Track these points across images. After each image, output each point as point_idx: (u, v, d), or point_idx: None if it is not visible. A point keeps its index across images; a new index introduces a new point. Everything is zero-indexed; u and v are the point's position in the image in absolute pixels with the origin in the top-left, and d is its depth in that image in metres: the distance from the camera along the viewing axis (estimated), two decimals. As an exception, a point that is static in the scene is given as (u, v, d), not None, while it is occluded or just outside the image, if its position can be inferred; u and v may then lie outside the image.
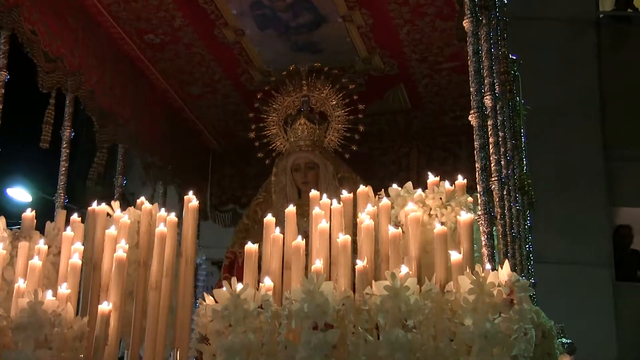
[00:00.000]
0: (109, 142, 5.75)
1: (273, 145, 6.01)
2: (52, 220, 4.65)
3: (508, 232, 4.00)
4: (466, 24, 3.86)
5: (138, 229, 4.35)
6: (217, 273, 7.20)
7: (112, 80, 5.62)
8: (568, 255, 7.60)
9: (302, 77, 5.99)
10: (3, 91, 4.54)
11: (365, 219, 3.82)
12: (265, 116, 6.03)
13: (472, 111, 3.74)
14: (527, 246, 5.00)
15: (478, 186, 3.65)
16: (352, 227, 4.11)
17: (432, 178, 4.09)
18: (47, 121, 5.05)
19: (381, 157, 7.04)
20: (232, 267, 5.63)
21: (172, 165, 6.61)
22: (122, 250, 3.88)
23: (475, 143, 3.71)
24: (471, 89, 3.78)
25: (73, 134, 5.32)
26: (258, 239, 5.50)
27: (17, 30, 4.71)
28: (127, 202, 5.34)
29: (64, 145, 5.26)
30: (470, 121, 6.49)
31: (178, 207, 5.37)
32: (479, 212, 3.59)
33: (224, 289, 3.48)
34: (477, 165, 3.67)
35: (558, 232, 7.49)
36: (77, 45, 5.21)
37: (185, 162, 6.84)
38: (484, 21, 3.95)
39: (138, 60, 5.94)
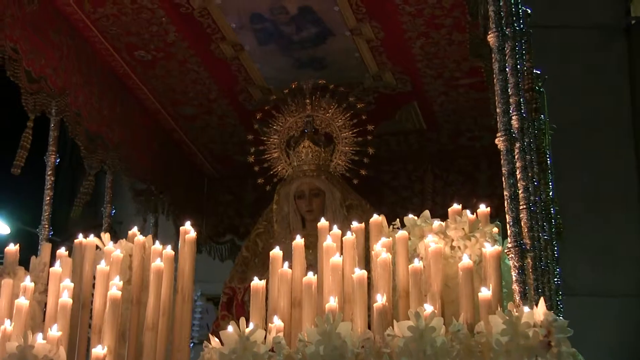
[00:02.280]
0: (98, 168, 5.74)
1: (274, 170, 5.98)
2: (33, 253, 4.64)
3: (538, 265, 3.99)
4: (491, 38, 3.84)
5: (130, 263, 4.35)
6: (213, 310, 7.17)
7: (100, 101, 5.62)
8: (600, 287, 7.53)
9: (305, 95, 5.96)
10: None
11: (381, 251, 3.82)
12: (265, 138, 6.01)
13: (498, 134, 3.72)
14: (555, 279, 5.00)
15: (507, 216, 3.62)
16: (364, 261, 4.12)
17: (454, 206, 4.09)
18: (23, 146, 4.98)
19: (391, 181, 7.05)
20: (231, 304, 5.60)
21: (164, 192, 6.60)
22: (115, 287, 3.86)
23: (503, 169, 3.69)
24: (497, 110, 3.76)
25: (58, 160, 5.31)
26: (258, 272, 5.52)
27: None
28: (115, 232, 5.34)
29: (49, 172, 5.22)
30: (489, 142, 6.59)
31: (172, 238, 5.38)
32: (509, 244, 3.58)
33: (230, 329, 3.46)
34: (505, 193, 3.65)
35: (589, 262, 7.43)
36: (61, 64, 5.21)
37: (179, 188, 6.84)
38: (509, 34, 3.94)
39: (127, 78, 5.95)
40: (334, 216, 5.43)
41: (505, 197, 3.66)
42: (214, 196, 7.32)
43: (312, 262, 4.23)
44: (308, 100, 5.96)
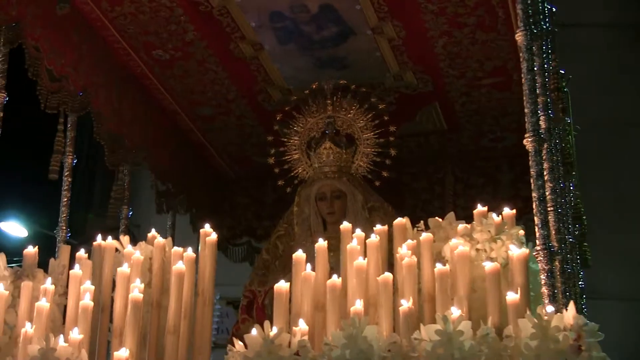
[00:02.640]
0: (117, 166, 5.80)
1: (295, 172, 5.97)
2: (49, 256, 4.66)
3: (565, 268, 3.98)
4: (519, 37, 3.86)
5: (150, 266, 4.38)
6: (233, 314, 7.18)
7: (119, 101, 5.66)
8: (627, 291, 7.51)
9: (326, 95, 5.96)
10: (1, 114, 4.57)
11: (406, 254, 3.83)
12: (285, 139, 6.01)
13: (527, 135, 3.73)
14: (579, 283, 4.99)
15: (535, 218, 3.64)
16: (387, 264, 4.13)
17: (479, 208, 4.09)
18: (57, 150, 5.08)
19: (412, 183, 7.05)
20: (251, 307, 5.59)
21: (182, 193, 6.63)
22: (137, 290, 3.88)
23: (531, 170, 3.70)
24: (525, 110, 3.77)
25: (75, 161, 5.34)
26: (279, 275, 5.52)
27: (22, 46, 4.76)
28: (133, 235, 5.37)
29: (66, 174, 5.27)
30: (511, 143, 6.61)
31: (189, 240, 5.39)
32: (537, 247, 3.59)
33: (254, 332, 3.47)
34: (533, 194, 3.66)
35: (615, 265, 7.39)
36: (81, 63, 5.26)
37: (196, 190, 6.87)
38: (537, 33, 3.94)
39: (145, 78, 5.98)
40: (355, 218, 5.37)
41: (534, 199, 3.67)
42: (231, 198, 7.34)
43: (334, 265, 4.24)
44: (329, 101, 5.94)
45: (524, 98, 3.81)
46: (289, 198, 6.06)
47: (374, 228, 4.19)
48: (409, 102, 6.28)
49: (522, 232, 3.99)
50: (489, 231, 3.92)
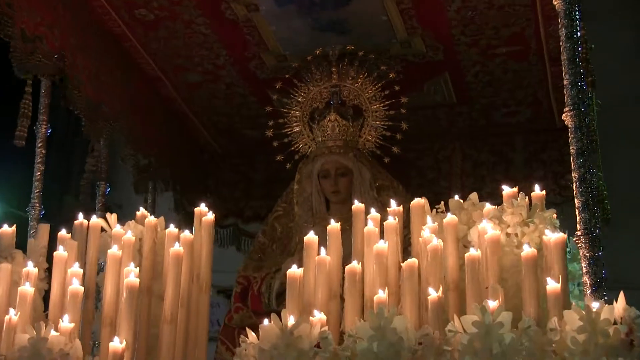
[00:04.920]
0: (98, 138, 5.72)
1: (295, 146, 5.94)
2: (19, 238, 4.57)
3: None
4: (557, 1, 3.85)
5: (140, 247, 4.33)
6: (225, 304, 7.13)
7: (97, 65, 5.58)
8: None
9: (331, 62, 5.92)
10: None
11: (431, 238, 3.80)
12: (286, 110, 5.98)
13: (566, 109, 3.73)
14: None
15: (576, 200, 3.65)
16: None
17: (507, 189, 4.07)
18: (24, 114, 5.00)
19: (416, 160, 7.04)
20: (246, 295, 5.53)
21: (163, 169, 6.58)
22: (133, 275, 3.83)
23: (571, 148, 3.71)
24: (565, 82, 3.77)
25: (50, 131, 5.26)
26: (277, 260, 5.49)
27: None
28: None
29: (39, 144, 5.16)
30: (525, 118, 6.62)
31: (170, 221, 5.34)
32: (578, 232, 3.59)
33: (266, 322, 3.44)
34: (574, 174, 3.67)
35: (634, 251, 7.41)
36: (58, 22, 5.18)
37: (178, 166, 6.82)
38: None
39: (125, 40, 5.90)
40: (362, 198, 5.27)
41: (574, 180, 3.68)
42: (217, 175, 7.31)
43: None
44: (334, 69, 5.91)
45: (563, 69, 3.80)
46: (283, 176, 6.03)
47: (388, 209, 4.18)
48: (416, 71, 6.24)
49: (555, 215, 3.97)
50: (520, 214, 3.89)
